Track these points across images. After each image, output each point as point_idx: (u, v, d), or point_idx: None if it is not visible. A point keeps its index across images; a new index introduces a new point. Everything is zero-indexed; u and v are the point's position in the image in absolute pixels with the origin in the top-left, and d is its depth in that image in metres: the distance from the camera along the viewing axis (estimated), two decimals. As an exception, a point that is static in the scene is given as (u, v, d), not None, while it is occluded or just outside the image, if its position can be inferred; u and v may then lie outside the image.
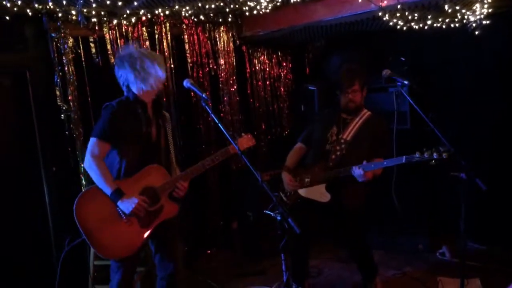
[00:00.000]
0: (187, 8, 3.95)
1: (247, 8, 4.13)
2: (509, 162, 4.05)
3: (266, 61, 5.14)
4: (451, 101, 4.34)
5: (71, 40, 3.59)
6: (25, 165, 3.58)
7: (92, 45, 3.76)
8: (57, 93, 3.55)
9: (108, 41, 3.81)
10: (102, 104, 2.63)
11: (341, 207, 3.13)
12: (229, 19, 4.51)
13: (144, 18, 3.95)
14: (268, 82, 5.14)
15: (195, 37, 4.43)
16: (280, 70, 5.29)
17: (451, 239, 4.12)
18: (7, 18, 3.27)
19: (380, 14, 3.62)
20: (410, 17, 3.69)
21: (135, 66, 2.53)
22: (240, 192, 4.64)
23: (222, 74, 4.64)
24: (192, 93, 4.36)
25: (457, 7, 3.52)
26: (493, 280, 3.43)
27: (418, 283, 3.64)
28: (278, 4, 4.11)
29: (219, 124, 2.35)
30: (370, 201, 3.27)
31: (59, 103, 3.55)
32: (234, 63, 4.75)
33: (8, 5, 3.15)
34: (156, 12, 3.89)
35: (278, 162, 3.55)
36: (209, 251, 4.61)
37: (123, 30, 3.89)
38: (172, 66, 4.26)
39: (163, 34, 4.16)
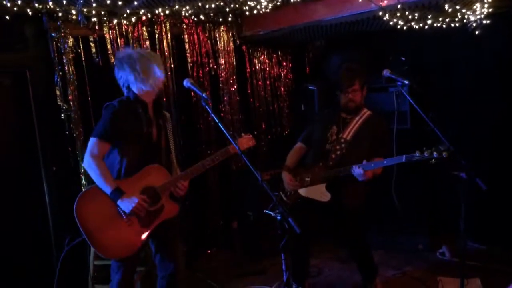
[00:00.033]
0: (187, 7, 3.95)
1: (247, 7, 4.12)
2: (509, 161, 4.05)
3: (266, 60, 5.14)
4: (451, 100, 4.34)
5: (71, 39, 3.59)
6: (25, 165, 3.58)
7: (92, 44, 3.76)
8: (57, 92, 3.55)
9: (108, 40, 3.81)
10: (102, 103, 2.63)
11: (341, 206, 3.13)
12: (229, 19, 4.51)
13: (144, 17, 3.95)
14: (268, 82, 5.14)
15: (195, 36, 4.43)
16: (280, 70, 5.29)
17: (451, 238, 4.12)
18: (7, 17, 3.27)
19: (380, 13, 3.62)
20: (410, 17, 3.69)
21: (135, 67, 2.53)
22: (240, 191, 4.64)
23: (222, 74, 4.64)
24: (192, 93, 4.36)
25: (457, 7, 3.52)
26: (493, 280, 3.43)
27: (418, 283, 3.64)
28: (278, 3, 4.10)
29: (219, 124, 2.35)
30: (370, 201, 3.27)
31: (59, 103, 3.55)
32: (234, 63, 4.75)
33: (8, 4, 3.15)
34: (156, 11, 3.89)
35: (278, 161, 3.55)
36: (209, 251, 4.61)
37: (123, 29, 3.89)
38: (172, 65, 4.26)
39: (163, 33, 4.16)
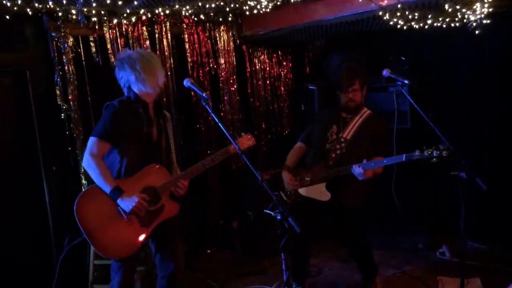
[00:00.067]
0: (187, 7, 3.95)
1: (247, 7, 4.12)
2: (509, 161, 4.05)
3: (266, 60, 5.14)
4: (451, 100, 4.34)
5: (71, 39, 3.59)
6: (25, 165, 3.58)
7: (92, 44, 3.76)
8: (57, 92, 3.55)
9: (108, 40, 3.81)
10: (102, 103, 2.63)
11: (341, 206, 3.13)
12: (229, 19, 4.51)
13: (144, 17, 3.95)
14: (268, 82, 5.14)
15: (195, 36, 4.43)
16: (280, 70, 5.29)
17: (451, 238, 4.12)
18: (7, 17, 3.27)
19: (380, 13, 3.62)
20: (410, 17, 3.69)
21: (135, 67, 2.54)
22: (240, 191, 4.64)
23: (222, 74, 4.64)
24: (192, 93, 4.36)
25: (457, 7, 3.52)
26: (493, 280, 3.43)
27: (418, 282, 3.64)
28: (278, 3, 4.10)
29: (219, 124, 2.35)
30: (370, 200, 3.27)
31: (59, 103, 3.56)
32: (234, 63, 4.74)
33: (8, 4, 3.15)
34: (156, 11, 3.89)
35: (278, 161, 3.55)
36: (209, 251, 4.61)
37: (123, 29, 3.89)
38: (172, 65, 4.26)
39: (163, 33, 4.16)
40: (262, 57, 5.09)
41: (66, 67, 3.57)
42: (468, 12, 3.64)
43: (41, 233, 3.63)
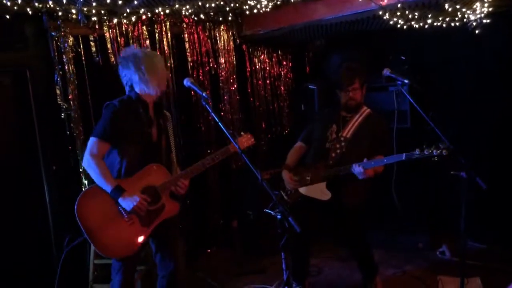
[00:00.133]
0: (187, 7, 3.95)
1: (247, 7, 4.12)
2: (509, 161, 4.05)
3: (267, 60, 5.14)
4: (451, 100, 4.34)
5: (71, 39, 3.59)
6: (25, 164, 3.58)
7: (92, 44, 3.76)
8: (57, 92, 3.55)
9: (108, 40, 3.81)
10: (103, 103, 2.63)
11: (341, 205, 3.13)
12: (229, 18, 4.51)
13: (144, 17, 3.95)
14: (268, 81, 5.14)
15: (195, 36, 4.43)
16: (280, 69, 5.29)
17: (451, 237, 4.13)
18: (7, 17, 3.26)
19: (380, 13, 3.62)
20: (410, 16, 3.69)
21: (140, 67, 2.54)
22: (240, 191, 4.64)
23: (222, 73, 4.64)
24: (192, 92, 4.36)
25: (457, 6, 3.52)
26: (493, 279, 3.43)
27: (418, 282, 3.64)
28: (278, 3, 4.10)
29: (220, 123, 2.34)
30: (370, 200, 3.27)
31: (59, 102, 3.55)
32: (234, 62, 4.74)
33: (8, 4, 3.15)
34: (156, 11, 3.89)
35: (278, 160, 3.55)
36: (209, 250, 4.62)
37: (123, 29, 3.88)
38: (172, 65, 4.26)
39: (163, 33, 4.16)
40: (262, 56, 5.09)
41: (66, 67, 3.57)
42: (468, 12, 3.64)
43: (41, 233, 3.63)
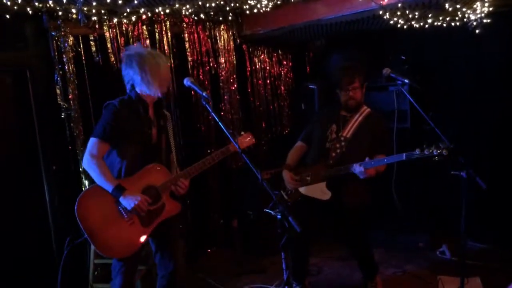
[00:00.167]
0: (188, 6, 3.95)
1: (247, 6, 4.12)
2: (509, 161, 4.05)
3: (267, 59, 5.14)
4: (451, 99, 4.34)
5: (71, 38, 3.59)
6: (25, 164, 3.58)
7: (92, 43, 3.75)
8: (57, 91, 3.55)
9: (108, 39, 3.81)
10: (103, 102, 2.62)
11: (341, 204, 3.13)
12: (230, 18, 4.51)
13: (144, 16, 3.95)
14: (268, 81, 5.14)
15: (196, 35, 4.43)
16: (280, 69, 5.29)
17: (451, 237, 4.13)
18: (7, 16, 3.26)
19: (380, 12, 3.62)
20: (410, 16, 3.68)
21: (144, 68, 2.52)
22: (241, 190, 4.64)
23: (223, 73, 4.64)
24: (192, 92, 4.36)
25: (458, 6, 3.52)
26: (493, 279, 3.43)
27: (418, 281, 3.64)
28: (278, 2, 4.10)
29: (220, 123, 2.34)
30: (371, 200, 3.27)
31: (59, 102, 3.55)
32: (235, 62, 4.74)
33: (8, 3, 3.14)
34: (156, 10, 3.89)
35: (279, 160, 3.55)
36: (209, 250, 4.62)
37: (123, 28, 3.88)
38: (172, 64, 4.26)
39: (163, 32, 4.16)
40: (262, 56, 5.08)
41: (66, 66, 3.57)
42: (469, 11, 3.64)
43: (42, 233, 3.63)
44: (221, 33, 4.59)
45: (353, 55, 4.03)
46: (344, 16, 3.88)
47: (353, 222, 3.25)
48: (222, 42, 4.60)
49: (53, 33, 3.50)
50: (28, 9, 3.30)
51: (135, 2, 3.56)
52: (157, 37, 4.12)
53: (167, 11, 3.93)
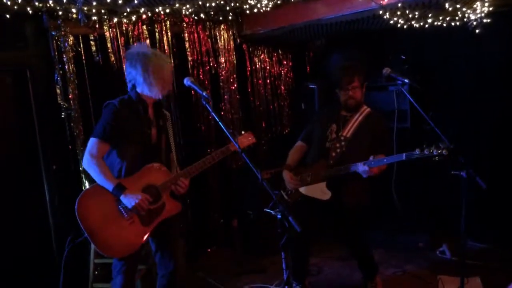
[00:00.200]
0: (188, 6, 3.95)
1: (247, 6, 4.12)
2: (509, 161, 4.05)
3: (267, 59, 5.14)
4: (451, 99, 4.34)
5: (71, 38, 3.59)
6: (25, 164, 3.58)
7: (92, 43, 3.75)
8: (58, 91, 3.55)
9: (109, 39, 3.81)
10: (103, 102, 2.63)
11: (341, 204, 3.13)
12: (230, 17, 4.51)
13: (144, 16, 3.95)
14: (268, 81, 5.14)
15: (196, 35, 4.43)
16: (280, 69, 5.29)
17: (451, 237, 4.13)
18: (7, 16, 3.26)
19: (380, 12, 3.62)
20: (410, 16, 3.68)
21: (147, 69, 2.52)
22: (241, 190, 4.65)
23: (223, 73, 4.64)
24: (192, 92, 4.36)
25: (458, 6, 3.52)
26: (493, 279, 3.44)
27: (418, 281, 3.64)
28: (278, 2, 4.10)
29: (220, 122, 2.34)
30: (372, 200, 3.27)
31: (59, 101, 3.55)
32: (235, 62, 4.74)
33: (9, 3, 3.14)
34: (157, 10, 3.89)
35: (279, 160, 3.55)
36: (209, 249, 4.62)
37: (124, 28, 3.88)
38: (172, 64, 4.25)
39: (164, 32, 4.16)
40: (262, 56, 5.08)
41: (66, 66, 3.57)
42: (469, 11, 3.64)
43: (42, 233, 3.63)
44: (221, 32, 4.59)
45: (353, 55, 4.03)
46: (344, 16, 3.88)
47: (353, 222, 3.25)
48: (222, 41, 4.60)
49: (53, 33, 3.50)
50: (28, 8, 3.30)
51: (135, 1, 3.56)
52: (157, 36, 4.12)
53: (167, 10, 3.93)
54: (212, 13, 4.36)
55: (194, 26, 4.40)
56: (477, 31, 3.78)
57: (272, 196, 2.18)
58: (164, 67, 2.57)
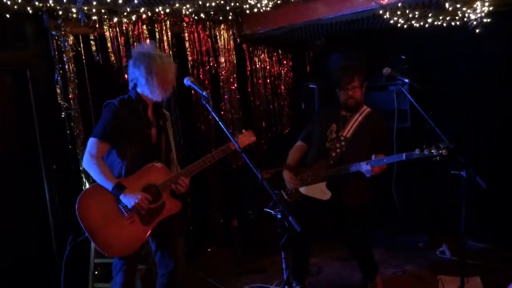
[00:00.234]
0: (188, 6, 3.95)
1: (247, 6, 4.12)
2: (509, 160, 4.05)
3: (267, 59, 5.14)
4: (451, 99, 4.34)
5: (71, 38, 3.59)
6: (25, 163, 3.58)
7: (92, 43, 3.75)
8: (58, 91, 3.55)
9: (109, 39, 3.81)
10: (103, 102, 2.63)
11: (341, 204, 3.13)
12: (230, 17, 4.51)
13: (144, 16, 3.95)
14: (268, 80, 5.14)
15: (196, 35, 4.43)
16: (280, 68, 5.29)
17: (451, 237, 4.12)
18: (8, 16, 3.26)
19: (380, 12, 3.62)
20: (410, 15, 3.68)
21: (151, 70, 2.51)
22: (241, 190, 4.65)
23: (223, 72, 4.64)
24: (192, 91, 4.36)
25: (458, 5, 3.52)
26: (493, 279, 3.43)
27: (418, 281, 3.64)
28: (278, 2, 4.10)
29: (220, 122, 2.34)
30: (372, 200, 3.27)
31: (59, 101, 3.55)
32: (235, 61, 4.74)
33: (9, 3, 3.14)
34: (157, 10, 3.89)
35: (279, 160, 3.55)
36: (209, 249, 4.62)
37: (124, 28, 3.88)
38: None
39: (164, 32, 4.16)
40: (263, 55, 5.08)
41: (66, 66, 3.57)
42: (469, 11, 3.64)
43: (42, 232, 3.63)
44: (221, 32, 4.59)
45: (353, 55, 4.03)
46: (344, 16, 3.88)
47: (353, 222, 3.25)
48: (222, 41, 4.60)
49: (53, 33, 3.49)
50: (28, 8, 3.30)
51: (135, 1, 3.56)
52: (157, 36, 4.12)
53: (167, 10, 3.94)
54: (212, 13, 4.36)
55: (194, 26, 4.40)
56: (477, 31, 3.78)
57: (272, 196, 2.18)
58: (167, 70, 2.56)
